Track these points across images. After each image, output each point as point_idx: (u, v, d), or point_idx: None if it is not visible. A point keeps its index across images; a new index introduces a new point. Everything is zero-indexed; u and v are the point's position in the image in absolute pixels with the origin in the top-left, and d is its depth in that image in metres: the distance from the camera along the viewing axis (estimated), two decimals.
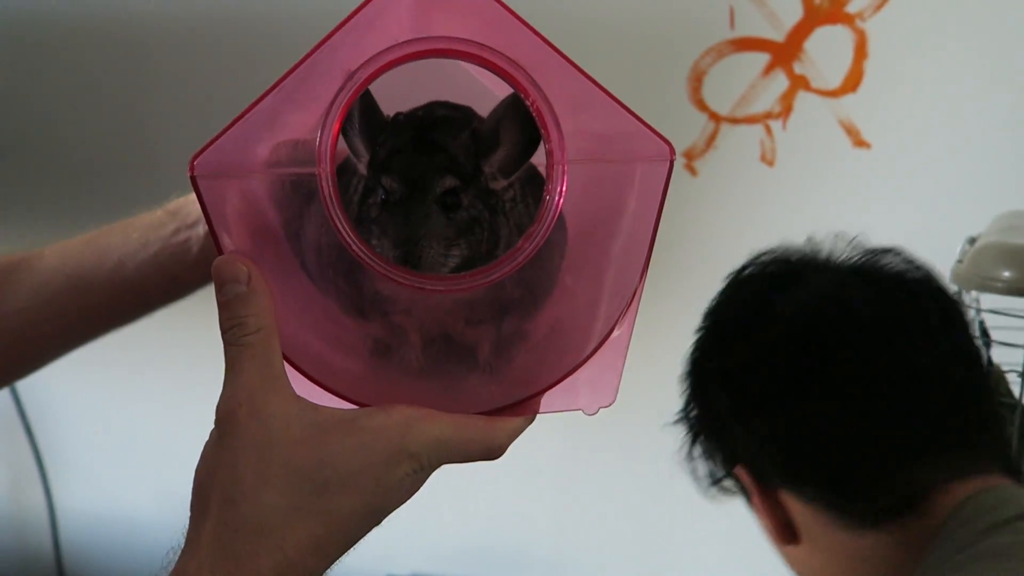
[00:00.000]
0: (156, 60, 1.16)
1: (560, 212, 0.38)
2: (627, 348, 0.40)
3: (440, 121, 0.40)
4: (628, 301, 0.40)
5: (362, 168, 0.40)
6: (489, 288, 0.38)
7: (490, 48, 0.37)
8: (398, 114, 0.41)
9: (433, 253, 0.38)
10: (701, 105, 1.07)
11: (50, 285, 0.56)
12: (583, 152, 0.38)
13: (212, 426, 0.37)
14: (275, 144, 0.38)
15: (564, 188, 0.37)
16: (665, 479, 1.17)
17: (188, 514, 0.36)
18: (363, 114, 0.39)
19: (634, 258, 0.40)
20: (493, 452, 0.38)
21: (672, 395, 1.15)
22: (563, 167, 0.37)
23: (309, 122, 0.38)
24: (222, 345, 0.38)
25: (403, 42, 0.37)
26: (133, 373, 1.19)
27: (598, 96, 0.39)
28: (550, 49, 0.39)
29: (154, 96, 1.18)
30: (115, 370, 1.15)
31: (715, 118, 1.07)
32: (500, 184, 0.40)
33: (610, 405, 0.40)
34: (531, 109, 0.38)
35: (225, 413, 0.36)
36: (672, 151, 0.40)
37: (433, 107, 0.41)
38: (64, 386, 1.18)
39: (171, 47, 1.16)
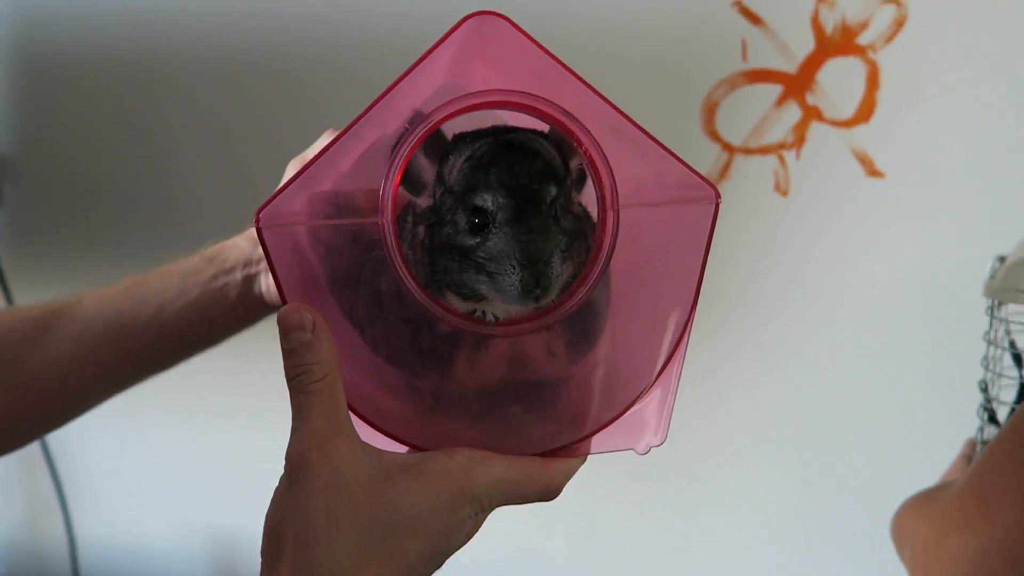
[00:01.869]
0: (173, 97, 1.18)
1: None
2: (676, 387, 0.41)
3: (516, 129, 0.39)
4: (676, 341, 0.40)
5: (423, 198, 0.39)
6: (539, 332, 0.39)
7: (544, 99, 0.38)
8: (461, 133, 0.40)
9: (557, 270, 0.36)
10: (715, 136, 1.08)
11: (90, 332, 0.57)
12: (631, 196, 0.39)
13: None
14: (310, 195, 0.38)
15: (617, 232, 0.38)
16: (683, 509, 1.18)
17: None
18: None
19: (681, 299, 0.41)
20: (550, 493, 0.38)
21: (688, 422, 1.15)
22: (616, 212, 0.38)
23: (353, 173, 0.39)
24: (285, 388, 0.38)
25: (462, 95, 0.37)
26: (154, 405, 1.19)
27: (644, 141, 0.40)
28: (595, 95, 0.40)
29: (171, 133, 1.19)
30: (136, 402, 1.15)
31: (728, 149, 1.08)
32: (576, 198, 0.40)
33: (661, 444, 0.41)
34: (583, 157, 0.39)
35: (296, 458, 0.36)
36: (717, 194, 0.41)
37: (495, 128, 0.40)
38: (85, 417, 1.18)
39: (188, 85, 1.17)
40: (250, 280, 0.55)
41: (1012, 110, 1.00)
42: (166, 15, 1.15)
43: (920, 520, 0.56)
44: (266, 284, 0.55)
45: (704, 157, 1.08)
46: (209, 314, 0.56)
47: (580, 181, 0.40)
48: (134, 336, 0.57)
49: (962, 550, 0.48)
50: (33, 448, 1.21)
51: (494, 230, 0.36)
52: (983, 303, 0.83)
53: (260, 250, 0.54)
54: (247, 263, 0.55)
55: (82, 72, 1.19)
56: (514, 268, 0.36)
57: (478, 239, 0.37)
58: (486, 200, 0.37)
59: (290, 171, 0.55)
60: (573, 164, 0.39)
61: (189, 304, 0.56)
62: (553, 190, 0.37)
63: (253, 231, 0.57)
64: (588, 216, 0.40)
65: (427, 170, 0.39)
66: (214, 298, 0.56)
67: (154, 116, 1.19)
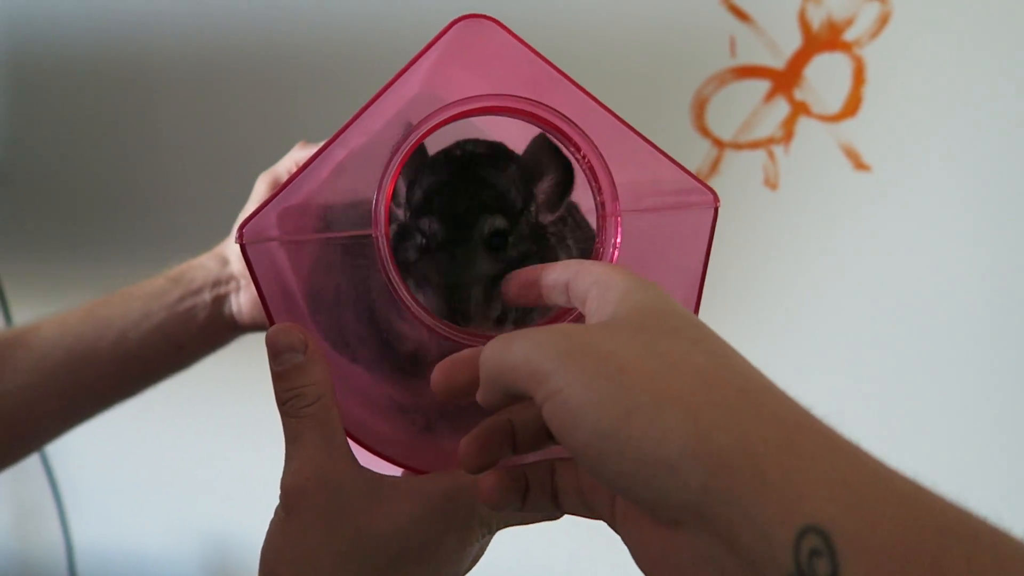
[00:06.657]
0: (163, 100, 1.16)
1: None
2: None
3: (481, 157, 0.40)
4: None
5: (400, 211, 0.39)
6: None
7: (541, 104, 0.37)
8: (437, 153, 0.40)
9: (479, 299, 0.37)
10: (705, 132, 1.08)
11: (49, 360, 0.54)
12: (629, 202, 0.39)
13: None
14: (294, 210, 0.37)
15: (619, 239, 0.37)
16: None
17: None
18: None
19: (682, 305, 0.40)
20: (556, 512, 0.37)
21: None
22: (616, 218, 0.38)
23: (338, 186, 0.38)
24: (267, 406, 0.37)
25: (456, 101, 0.37)
26: (151, 409, 1.17)
27: (641, 146, 0.39)
28: (590, 99, 0.39)
29: (162, 136, 1.17)
30: (133, 406, 1.14)
31: (719, 144, 1.08)
32: (548, 219, 0.40)
33: None
34: (582, 164, 0.38)
35: (292, 488, 0.34)
36: (716, 198, 0.40)
37: (466, 144, 0.41)
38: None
39: (179, 88, 1.16)
40: (220, 301, 0.53)
41: (995, 104, 1.00)
42: (155, 18, 1.14)
43: None
44: (237, 305, 0.53)
45: (695, 152, 1.08)
46: (176, 338, 0.53)
47: (555, 201, 0.40)
48: (95, 363, 0.54)
49: None
50: None
51: (427, 254, 0.38)
52: (968, 296, 0.83)
53: (228, 270, 0.52)
54: (216, 283, 0.53)
55: (71, 75, 1.17)
56: (432, 294, 0.37)
57: (417, 257, 0.38)
58: (426, 225, 0.38)
59: (259, 186, 0.54)
60: (540, 187, 0.40)
61: (154, 328, 0.53)
62: (497, 221, 0.38)
63: (220, 250, 0.55)
64: (568, 230, 0.41)
65: (401, 187, 0.40)
66: (181, 321, 0.53)
67: (144, 119, 1.17)
